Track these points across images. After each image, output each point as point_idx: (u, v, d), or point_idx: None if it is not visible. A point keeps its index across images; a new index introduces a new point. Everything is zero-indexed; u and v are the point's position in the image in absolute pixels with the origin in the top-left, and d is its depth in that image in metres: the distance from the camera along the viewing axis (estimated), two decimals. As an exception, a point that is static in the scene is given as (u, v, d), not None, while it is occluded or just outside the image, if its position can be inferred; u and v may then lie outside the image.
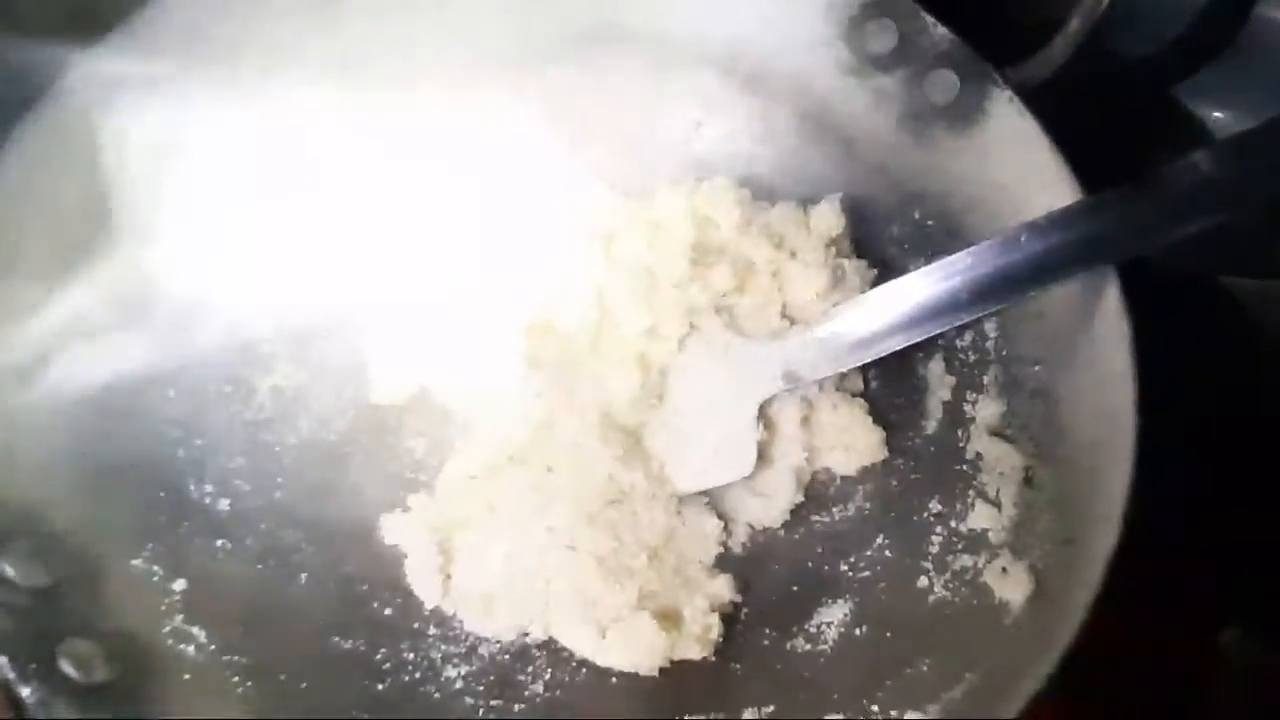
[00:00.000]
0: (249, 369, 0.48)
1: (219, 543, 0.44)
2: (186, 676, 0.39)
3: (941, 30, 0.47)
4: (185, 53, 0.44)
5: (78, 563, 0.39)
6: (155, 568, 0.41)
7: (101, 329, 0.42)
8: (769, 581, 0.47)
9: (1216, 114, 0.64)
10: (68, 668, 0.35)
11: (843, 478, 0.50)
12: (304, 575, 0.45)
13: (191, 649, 0.40)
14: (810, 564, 0.48)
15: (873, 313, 0.46)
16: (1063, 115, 0.45)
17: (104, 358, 0.42)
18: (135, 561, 0.41)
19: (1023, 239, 0.42)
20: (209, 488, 0.45)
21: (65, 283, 0.41)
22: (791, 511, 0.48)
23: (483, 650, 0.45)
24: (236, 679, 0.40)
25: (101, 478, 0.42)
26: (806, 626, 0.45)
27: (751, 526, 0.49)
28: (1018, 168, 0.45)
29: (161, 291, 0.45)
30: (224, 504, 0.45)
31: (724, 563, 0.48)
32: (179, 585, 0.41)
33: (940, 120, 0.47)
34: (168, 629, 0.40)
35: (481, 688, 0.43)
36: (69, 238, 0.42)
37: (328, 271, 0.51)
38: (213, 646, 0.40)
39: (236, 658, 0.40)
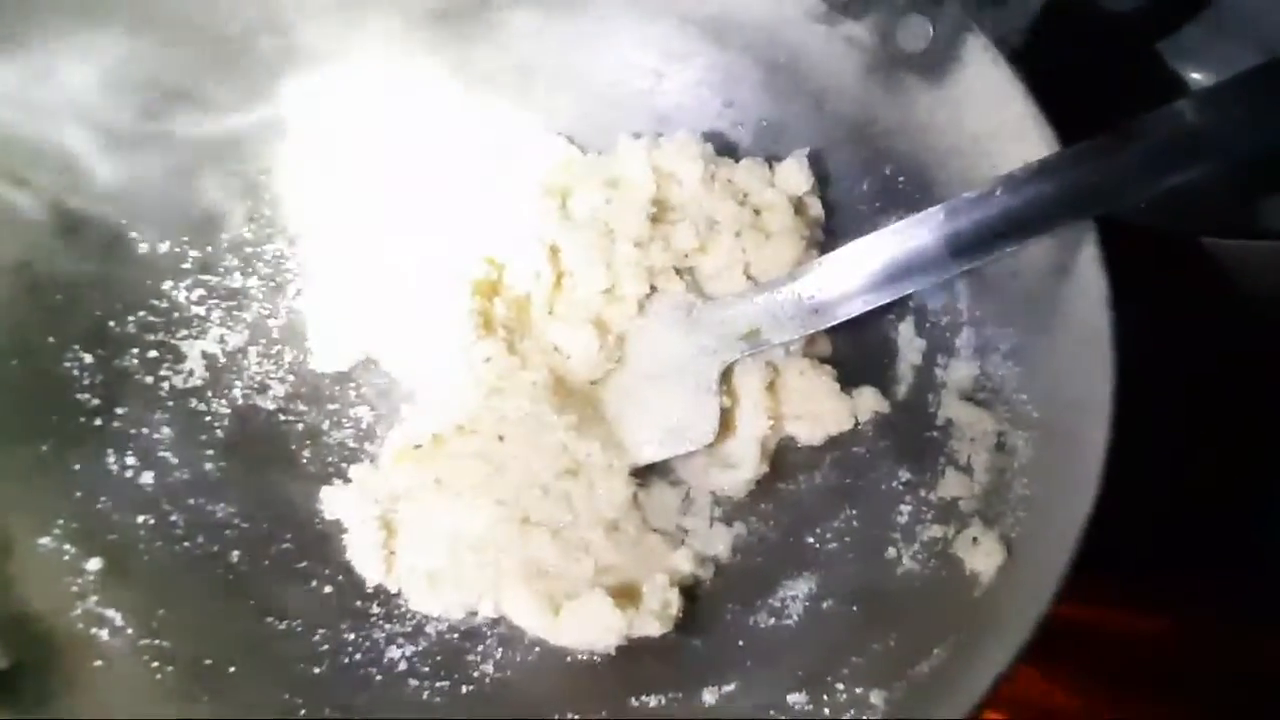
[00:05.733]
0: (177, 332, 0.45)
1: (140, 519, 0.41)
2: (98, 663, 0.36)
3: (914, -27, 0.44)
4: None
5: (-24, 540, 0.36)
6: (66, 546, 0.38)
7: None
8: (732, 554, 0.46)
9: (1194, 74, 0.63)
10: (-44, 654, 0.32)
11: (809, 446, 0.48)
12: (235, 553, 0.42)
13: (105, 633, 0.37)
14: (775, 536, 0.46)
15: (841, 273, 0.44)
16: (1039, 65, 0.43)
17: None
18: (43, 540, 0.38)
19: (997, 193, 0.40)
20: (131, 460, 0.42)
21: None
22: (755, 482, 0.47)
23: (429, 630, 0.43)
24: (156, 664, 0.37)
25: (6, 449, 0.39)
26: (770, 601, 0.43)
27: (714, 497, 0.47)
28: (992, 119, 0.43)
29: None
30: (147, 477, 0.42)
31: (685, 535, 0.46)
32: (93, 565, 0.38)
33: (912, 70, 0.45)
34: (79, 612, 0.37)
35: (427, 669, 0.41)
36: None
37: (264, 226, 0.48)
38: (130, 630, 0.37)
39: (157, 642, 0.37)
